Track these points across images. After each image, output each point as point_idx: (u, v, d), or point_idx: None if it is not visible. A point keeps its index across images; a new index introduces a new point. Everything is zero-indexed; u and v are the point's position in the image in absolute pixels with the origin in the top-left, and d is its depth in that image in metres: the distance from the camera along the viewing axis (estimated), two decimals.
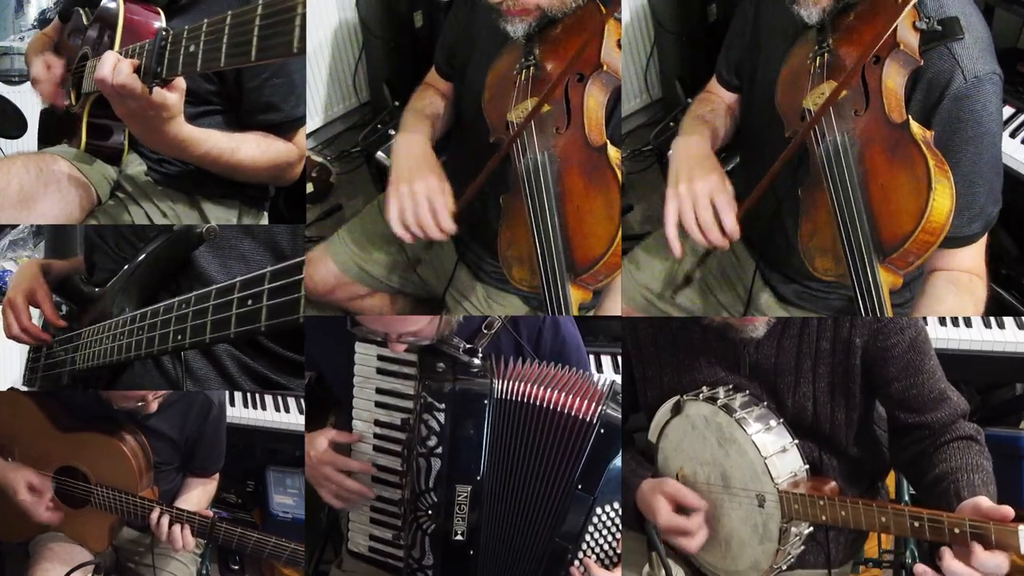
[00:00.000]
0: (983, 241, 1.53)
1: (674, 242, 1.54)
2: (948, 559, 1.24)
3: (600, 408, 1.46)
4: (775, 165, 1.51)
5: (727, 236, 1.52)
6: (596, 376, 1.57)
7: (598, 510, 1.48)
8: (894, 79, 1.42)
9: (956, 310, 1.49)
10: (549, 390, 1.48)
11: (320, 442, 1.61)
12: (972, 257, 1.52)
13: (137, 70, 1.49)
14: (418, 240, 1.85)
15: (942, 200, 1.38)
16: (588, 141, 1.56)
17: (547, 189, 1.56)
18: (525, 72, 1.59)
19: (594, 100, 1.57)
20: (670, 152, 1.63)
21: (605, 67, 1.55)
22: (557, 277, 1.56)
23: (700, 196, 1.52)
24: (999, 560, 1.21)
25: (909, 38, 1.41)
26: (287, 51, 1.25)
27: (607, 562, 1.52)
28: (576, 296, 1.58)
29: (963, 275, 1.50)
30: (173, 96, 1.53)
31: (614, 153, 1.55)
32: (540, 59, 1.59)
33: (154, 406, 1.93)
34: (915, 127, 1.40)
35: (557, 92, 1.56)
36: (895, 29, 1.40)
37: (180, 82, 1.53)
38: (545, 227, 1.56)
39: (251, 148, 1.79)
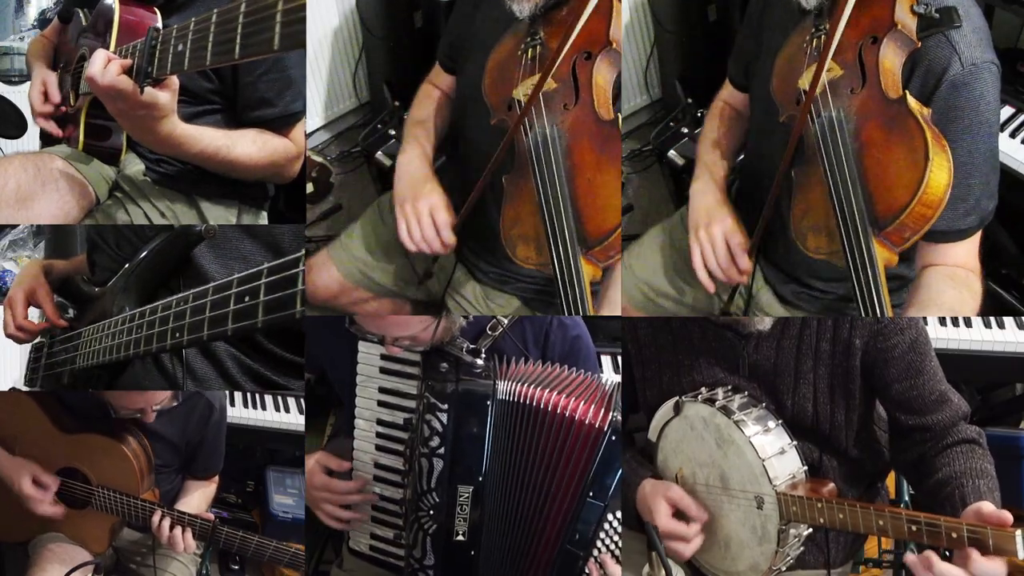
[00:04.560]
0: (977, 237, 1.52)
1: (706, 281, 1.65)
2: (937, 564, 1.24)
3: (611, 414, 1.46)
4: (786, 154, 1.52)
5: (743, 272, 1.64)
6: (601, 378, 1.56)
7: (609, 516, 1.49)
8: (891, 59, 1.42)
9: (956, 305, 1.48)
10: (555, 394, 1.48)
11: (316, 471, 1.63)
12: (967, 252, 1.51)
13: (129, 70, 1.49)
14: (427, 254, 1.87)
15: (939, 173, 1.37)
16: (598, 115, 1.57)
17: (556, 162, 1.57)
18: (531, 51, 1.61)
19: (602, 77, 1.58)
20: (690, 196, 1.73)
21: (614, 44, 1.56)
22: (569, 251, 1.57)
23: (717, 240, 1.63)
24: (997, 566, 1.21)
25: (907, 20, 1.41)
26: (268, 48, 1.25)
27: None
28: (587, 271, 1.60)
29: (959, 270, 1.49)
30: (164, 95, 1.53)
31: (620, 126, 1.56)
32: (545, 39, 1.60)
33: (152, 417, 1.93)
34: (912, 101, 1.40)
35: (562, 68, 1.57)
36: (893, 10, 1.41)
37: (173, 81, 1.53)
38: (555, 201, 1.57)
39: (247, 145, 1.78)
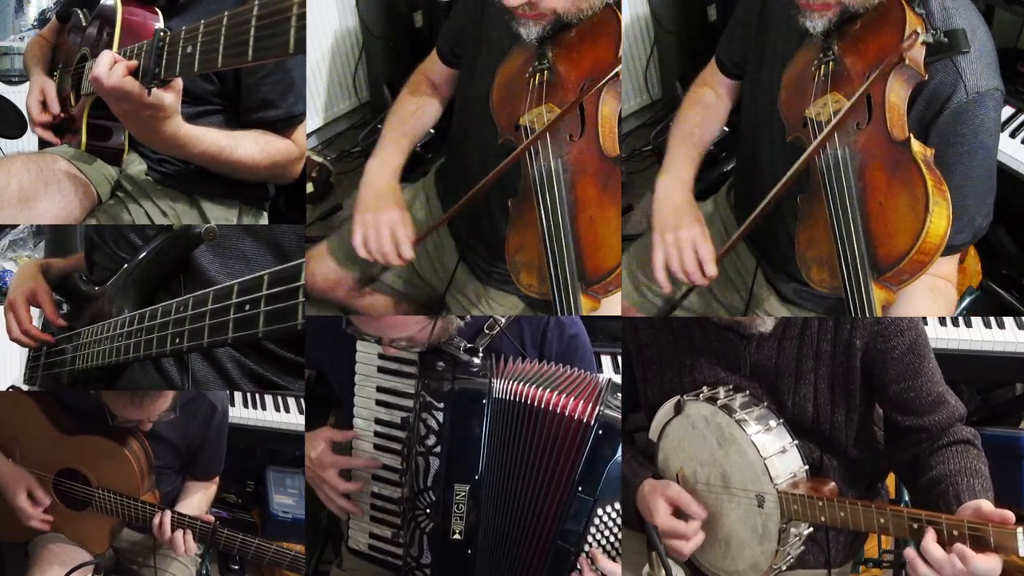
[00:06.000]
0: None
1: (664, 284, 1.63)
2: (929, 542, 1.25)
3: (598, 409, 1.45)
4: (778, 188, 1.52)
5: (707, 279, 1.61)
6: (595, 375, 1.57)
7: (599, 511, 1.48)
8: (898, 94, 1.42)
9: (931, 314, 1.50)
10: (545, 390, 1.48)
11: (318, 443, 1.62)
12: (950, 264, 1.54)
13: (136, 71, 1.49)
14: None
15: (939, 221, 1.39)
16: (602, 151, 1.56)
17: (560, 197, 1.56)
18: (538, 76, 1.58)
19: (609, 108, 1.56)
20: (655, 191, 1.68)
21: (619, 73, 1.55)
22: (568, 286, 1.57)
23: (684, 245, 1.61)
24: (993, 562, 1.21)
25: (915, 53, 1.41)
26: (283, 51, 1.25)
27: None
28: (586, 305, 1.59)
29: (939, 281, 1.52)
30: (169, 96, 1.53)
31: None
32: (553, 63, 1.58)
33: (149, 427, 1.93)
34: (916, 146, 1.41)
35: (569, 97, 1.56)
36: (901, 43, 1.40)
37: (177, 82, 1.54)
38: (557, 236, 1.56)
39: (250, 146, 1.78)
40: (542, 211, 1.57)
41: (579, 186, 1.57)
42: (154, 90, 1.50)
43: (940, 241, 1.40)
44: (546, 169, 1.56)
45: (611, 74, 1.54)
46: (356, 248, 1.71)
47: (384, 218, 1.69)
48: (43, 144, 1.96)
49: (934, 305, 1.51)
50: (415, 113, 1.86)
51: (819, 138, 1.46)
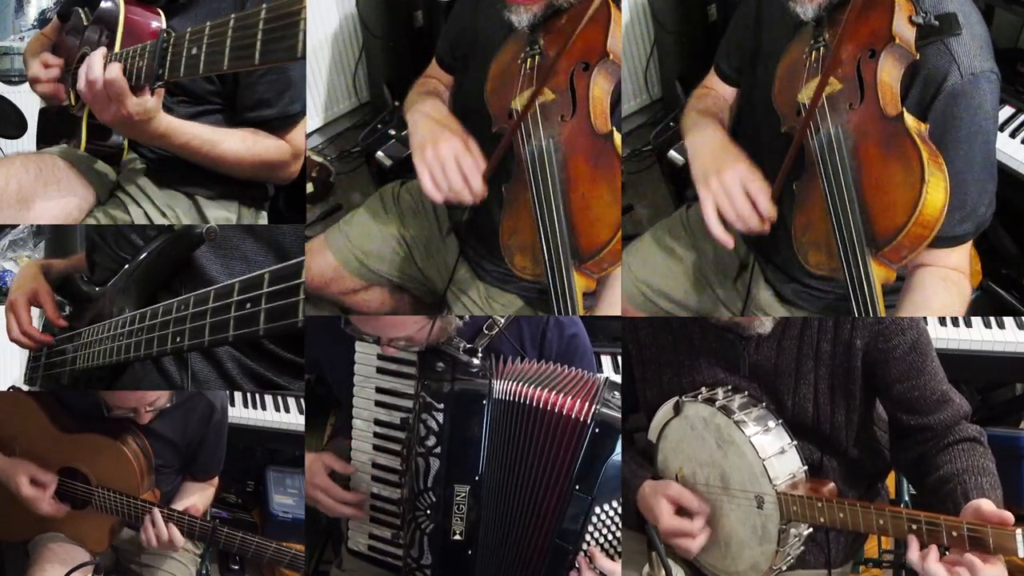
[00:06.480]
0: (970, 240, 1.53)
1: (722, 235, 1.54)
2: (931, 561, 1.25)
3: (594, 407, 1.45)
4: (785, 163, 1.51)
5: (765, 220, 1.53)
6: (594, 374, 1.57)
7: (597, 509, 1.48)
8: (890, 73, 1.42)
9: (946, 307, 1.49)
10: (543, 390, 1.48)
11: (316, 469, 1.62)
12: (960, 255, 1.52)
13: (139, 73, 1.49)
14: (418, 235, 1.82)
15: (935, 193, 1.38)
16: (593, 128, 1.56)
17: (552, 175, 1.56)
18: (530, 61, 1.60)
19: (600, 89, 1.57)
20: (688, 150, 1.64)
21: (611, 56, 1.56)
22: (562, 264, 1.57)
23: (732, 187, 1.53)
24: (996, 572, 1.21)
25: (905, 32, 1.41)
26: (291, 56, 1.26)
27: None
28: (580, 283, 1.59)
29: (951, 272, 1.50)
30: (151, 101, 1.54)
31: (619, 140, 1.56)
32: (544, 48, 1.60)
33: (146, 417, 1.93)
34: (909, 120, 1.40)
35: (560, 79, 1.56)
36: (891, 23, 1.40)
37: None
38: (549, 213, 1.57)
39: (235, 143, 1.77)
40: (534, 190, 1.57)
41: (571, 164, 1.57)
42: (137, 98, 1.50)
43: (938, 214, 1.39)
44: (537, 149, 1.57)
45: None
46: (429, 193, 1.59)
47: (444, 149, 1.59)
48: (42, 143, 1.96)
49: (947, 296, 1.49)
50: (435, 88, 1.85)
51: (809, 108, 1.45)
